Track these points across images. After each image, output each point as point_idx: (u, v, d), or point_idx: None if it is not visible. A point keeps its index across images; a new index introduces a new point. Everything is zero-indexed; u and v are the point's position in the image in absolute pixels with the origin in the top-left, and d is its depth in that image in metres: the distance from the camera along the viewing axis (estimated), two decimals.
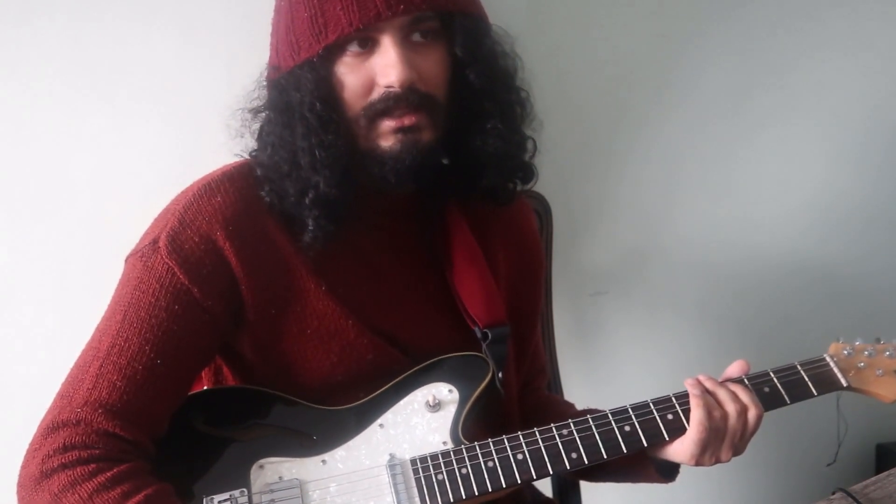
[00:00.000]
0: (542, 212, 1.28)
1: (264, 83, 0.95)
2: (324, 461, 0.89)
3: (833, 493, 0.85)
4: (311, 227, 0.89)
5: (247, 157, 0.99)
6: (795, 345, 1.59)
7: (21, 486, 0.81)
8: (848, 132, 1.60)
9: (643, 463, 0.96)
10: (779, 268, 1.63)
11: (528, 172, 1.01)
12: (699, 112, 1.50)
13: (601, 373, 1.57)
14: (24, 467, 0.82)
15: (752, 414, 0.91)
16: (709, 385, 0.93)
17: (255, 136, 0.96)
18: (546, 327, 1.31)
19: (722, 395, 0.92)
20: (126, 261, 0.91)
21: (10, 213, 1.19)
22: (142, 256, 0.88)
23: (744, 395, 0.92)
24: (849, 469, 1.67)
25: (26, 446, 0.84)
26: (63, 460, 0.79)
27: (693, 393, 0.91)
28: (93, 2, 1.15)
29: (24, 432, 1.26)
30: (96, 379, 0.83)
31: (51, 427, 0.82)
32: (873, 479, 0.86)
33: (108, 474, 0.78)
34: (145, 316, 0.85)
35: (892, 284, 1.71)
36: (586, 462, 0.89)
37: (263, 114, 0.94)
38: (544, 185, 1.09)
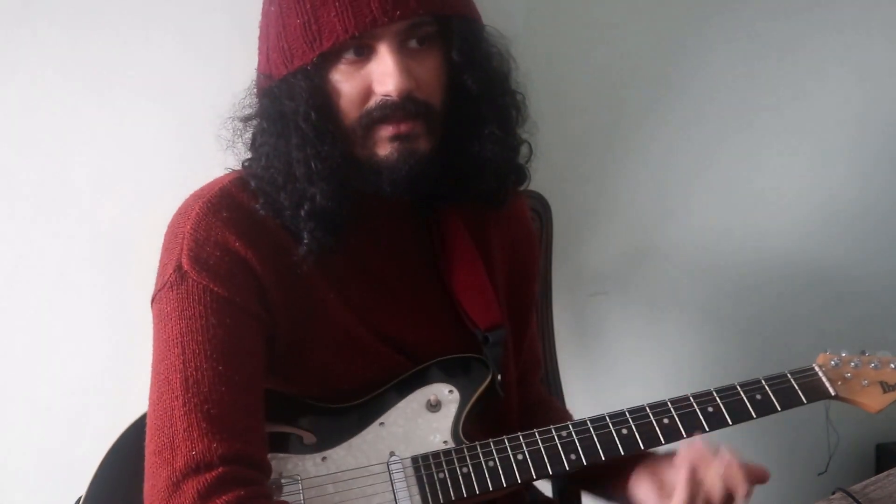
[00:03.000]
0: (542, 212, 1.28)
1: (254, 91, 0.93)
2: (324, 458, 0.90)
3: (833, 493, 0.86)
4: (306, 240, 0.87)
5: (240, 168, 0.98)
6: (795, 344, 1.56)
7: None
8: (850, 134, 1.61)
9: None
10: (779, 267, 1.64)
11: (521, 175, 1.01)
12: (699, 113, 1.50)
13: (601, 373, 1.57)
14: None
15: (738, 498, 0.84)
16: (700, 465, 0.85)
17: (248, 145, 0.94)
18: (546, 327, 1.31)
19: (709, 482, 0.84)
20: (154, 301, 0.88)
21: (9, 214, 1.18)
22: (171, 287, 0.85)
23: (733, 481, 0.84)
24: (849, 469, 1.69)
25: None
26: None
27: (681, 475, 0.85)
28: (92, 3, 1.15)
29: (23, 432, 1.26)
30: (187, 416, 0.78)
31: (172, 484, 0.75)
32: (873, 479, 0.87)
33: None
34: (202, 339, 0.82)
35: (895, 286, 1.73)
36: (584, 463, 0.91)
37: (255, 122, 0.92)
38: (544, 185, 1.08)
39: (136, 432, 0.93)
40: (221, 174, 0.99)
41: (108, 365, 1.24)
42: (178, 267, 0.85)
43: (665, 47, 1.45)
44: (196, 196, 0.90)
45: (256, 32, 0.95)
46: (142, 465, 0.87)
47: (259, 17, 0.95)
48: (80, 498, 0.91)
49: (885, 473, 0.86)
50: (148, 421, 0.82)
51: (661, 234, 1.55)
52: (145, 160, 1.22)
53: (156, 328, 0.87)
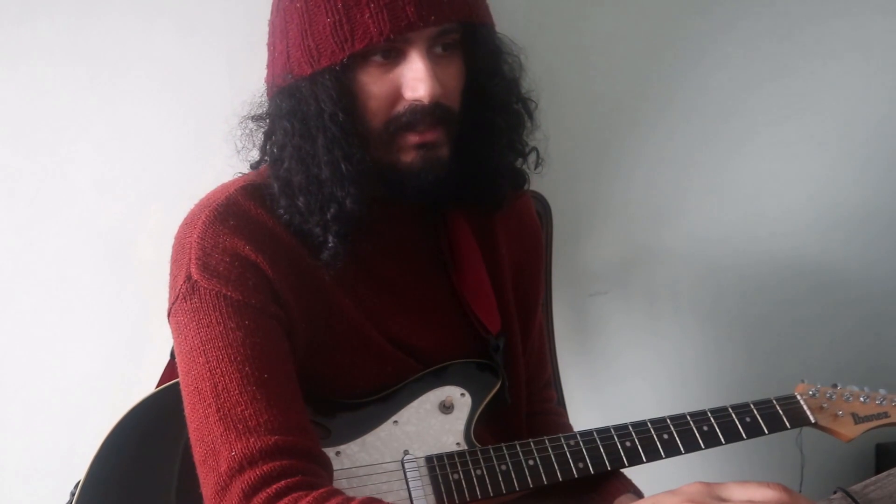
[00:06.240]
0: (542, 212, 1.28)
1: (265, 91, 0.92)
2: (338, 453, 0.89)
3: (833, 493, 0.87)
4: (330, 244, 0.86)
5: (246, 171, 0.98)
6: (796, 345, 1.59)
7: None
8: (853, 135, 1.60)
9: None
10: (780, 268, 1.63)
11: (521, 178, 1.02)
12: (700, 113, 1.50)
13: (601, 372, 1.54)
14: None
15: None
16: None
17: (261, 146, 0.93)
18: (546, 327, 1.30)
19: None
20: (170, 315, 0.86)
21: (9, 214, 1.16)
22: (184, 299, 0.83)
23: None
24: (849, 469, 1.70)
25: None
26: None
27: None
28: (93, 1, 1.13)
29: (23, 431, 1.21)
30: (222, 421, 0.77)
31: (220, 489, 0.74)
32: (873, 479, 0.86)
33: (314, 495, 0.72)
34: (223, 344, 0.80)
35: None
36: (591, 471, 0.93)
37: (271, 122, 0.90)
38: (544, 185, 1.07)
39: (134, 417, 0.92)
40: (226, 174, 0.98)
41: (108, 365, 1.21)
42: (188, 277, 0.83)
43: (665, 47, 1.45)
44: (202, 205, 0.88)
45: (264, 27, 0.94)
46: (140, 451, 0.89)
47: (261, 15, 0.94)
48: (77, 483, 0.87)
49: (886, 473, 0.87)
50: (189, 433, 0.80)
51: (661, 233, 1.55)
52: (146, 158, 1.19)
53: (176, 341, 0.85)
